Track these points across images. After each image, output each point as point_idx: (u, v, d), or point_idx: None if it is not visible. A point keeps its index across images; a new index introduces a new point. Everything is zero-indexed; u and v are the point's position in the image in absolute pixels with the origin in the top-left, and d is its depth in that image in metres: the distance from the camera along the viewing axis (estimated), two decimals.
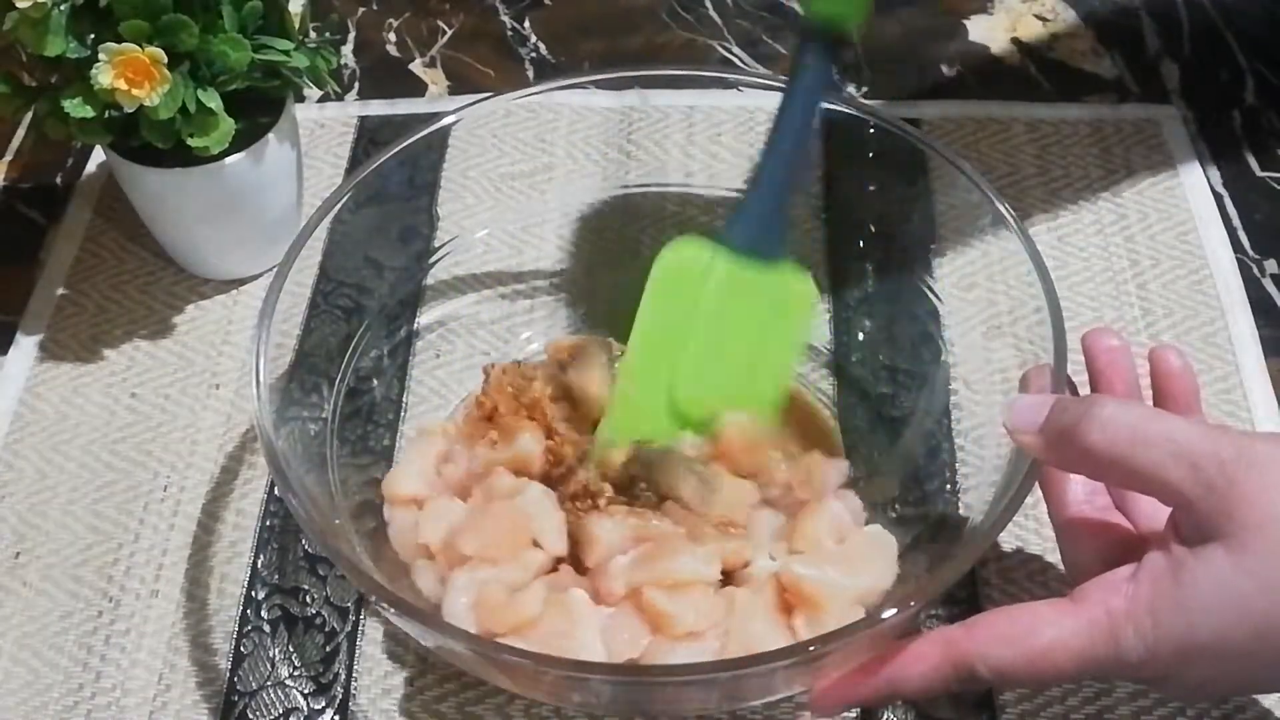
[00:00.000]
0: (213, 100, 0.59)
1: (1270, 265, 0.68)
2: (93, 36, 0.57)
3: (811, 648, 0.44)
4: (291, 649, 0.55)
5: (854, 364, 0.62)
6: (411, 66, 0.82)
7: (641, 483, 0.53)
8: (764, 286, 0.55)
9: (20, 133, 0.78)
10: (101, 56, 0.56)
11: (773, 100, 0.71)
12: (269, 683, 0.54)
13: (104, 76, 0.56)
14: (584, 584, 0.50)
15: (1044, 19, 0.83)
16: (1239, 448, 0.40)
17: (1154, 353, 0.51)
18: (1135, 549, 0.45)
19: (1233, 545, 0.40)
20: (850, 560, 0.50)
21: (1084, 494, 0.48)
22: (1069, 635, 0.42)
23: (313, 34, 0.65)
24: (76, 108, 0.58)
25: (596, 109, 0.72)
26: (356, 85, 0.81)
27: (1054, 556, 0.56)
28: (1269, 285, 0.67)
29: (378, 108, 0.78)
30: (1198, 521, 0.41)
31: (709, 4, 0.85)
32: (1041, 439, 0.44)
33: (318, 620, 0.56)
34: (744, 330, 0.56)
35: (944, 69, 0.80)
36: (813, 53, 0.54)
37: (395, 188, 0.60)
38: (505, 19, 0.85)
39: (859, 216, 0.65)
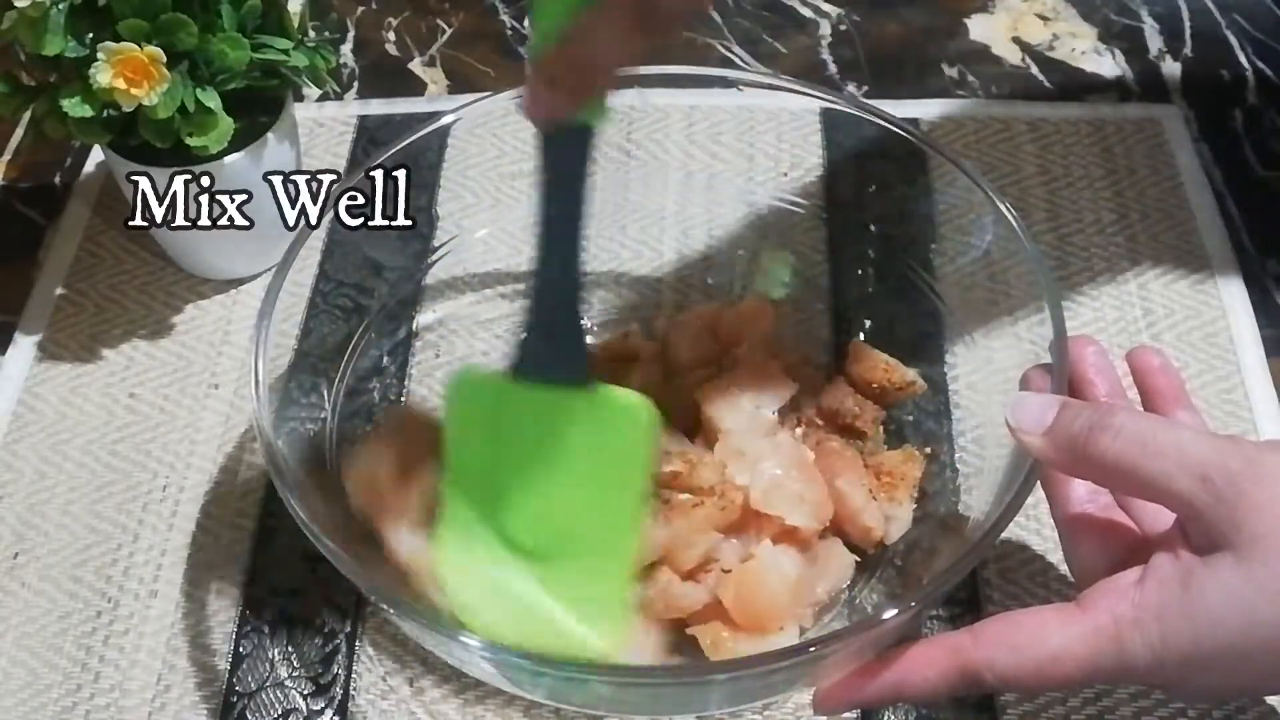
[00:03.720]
0: (211, 99, 0.59)
1: (1271, 264, 0.68)
2: (91, 36, 0.57)
3: (812, 648, 0.43)
4: (290, 649, 0.55)
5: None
6: (411, 66, 0.82)
7: None
8: (586, 411, 0.48)
9: (19, 132, 0.78)
10: (100, 56, 0.56)
11: (773, 100, 0.71)
12: (268, 683, 0.54)
13: (103, 76, 0.56)
14: None
15: (1045, 18, 0.83)
16: (1248, 459, 0.40)
17: (1131, 354, 0.51)
18: (1139, 549, 0.45)
19: (1241, 555, 0.39)
20: None
21: (1086, 493, 0.48)
22: (1075, 642, 0.42)
23: (312, 33, 0.65)
24: (75, 107, 0.57)
25: None
26: (356, 84, 0.81)
27: (1055, 557, 0.56)
28: (1270, 285, 0.67)
29: (377, 107, 0.78)
30: (1207, 531, 0.40)
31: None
32: (1048, 442, 0.44)
33: (317, 621, 0.56)
34: (575, 463, 0.48)
35: (944, 68, 0.80)
36: (559, 152, 0.44)
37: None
38: (505, 18, 0.85)
39: (859, 216, 0.65)
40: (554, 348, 0.48)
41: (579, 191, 0.45)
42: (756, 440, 0.53)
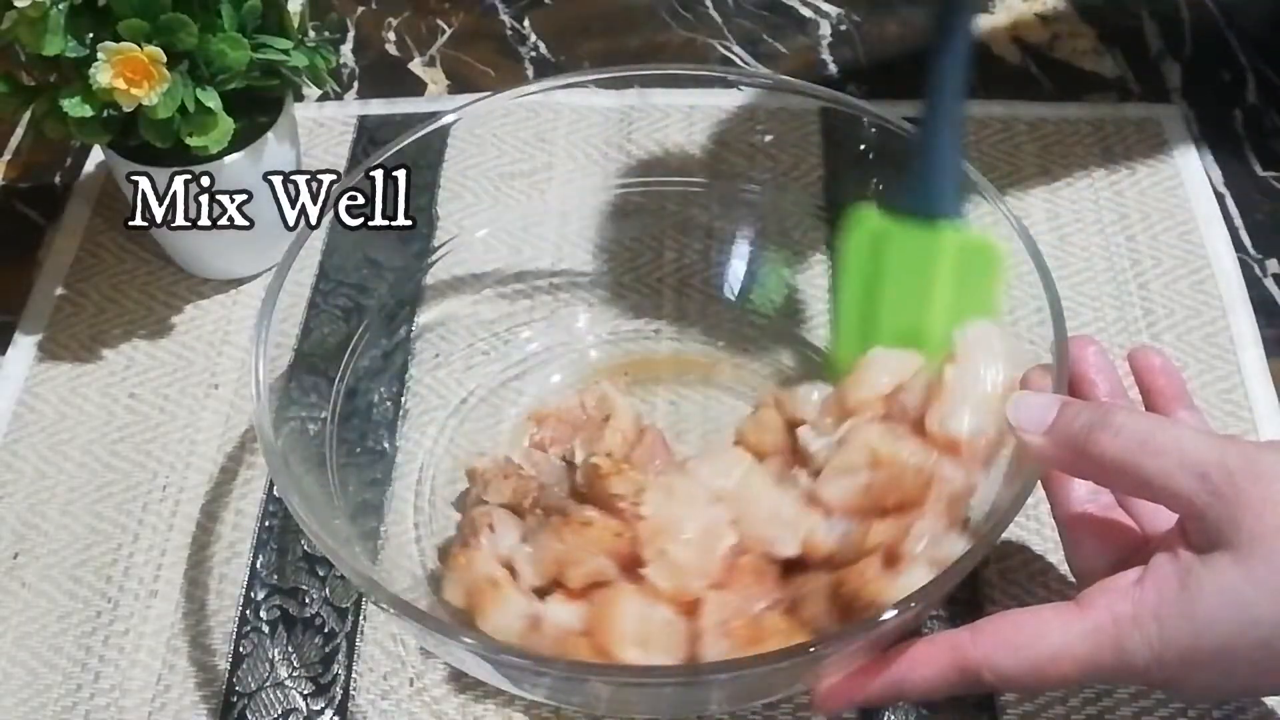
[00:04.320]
0: (211, 99, 0.59)
1: (1272, 265, 0.68)
2: (91, 35, 0.57)
3: (812, 648, 0.43)
4: (291, 649, 0.55)
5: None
6: (411, 65, 0.82)
7: None
8: (951, 245, 0.55)
9: (19, 132, 0.78)
10: (100, 56, 0.56)
11: (772, 99, 0.71)
12: (268, 683, 0.54)
13: (103, 76, 0.56)
14: None
15: (1045, 18, 0.83)
16: (1247, 458, 0.40)
17: (1133, 354, 0.51)
18: (1140, 549, 0.45)
19: (1240, 554, 0.39)
20: None
21: (1087, 493, 0.48)
22: (1074, 641, 0.42)
23: (312, 33, 0.65)
24: (75, 107, 0.57)
25: (596, 108, 0.72)
26: (356, 84, 0.80)
27: (1055, 556, 0.56)
28: (1270, 285, 0.67)
29: (377, 107, 0.78)
30: (1206, 530, 0.40)
31: (709, 3, 0.85)
32: (1049, 441, 0.44)
33: (317, 621, 0.56)
34: (941, 287, 0.55)
35: None
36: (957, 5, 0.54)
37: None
38: (505, 18, 0.85)
39: None
40: (942, 185, 0.55)
41: (967, 45, 0.54)
42: (698, 488, 0.49)
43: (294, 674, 0.54)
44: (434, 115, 0.59)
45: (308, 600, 0.56)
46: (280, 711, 0.53)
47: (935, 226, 0.55)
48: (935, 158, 0.55)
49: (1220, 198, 0.71)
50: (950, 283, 0.55)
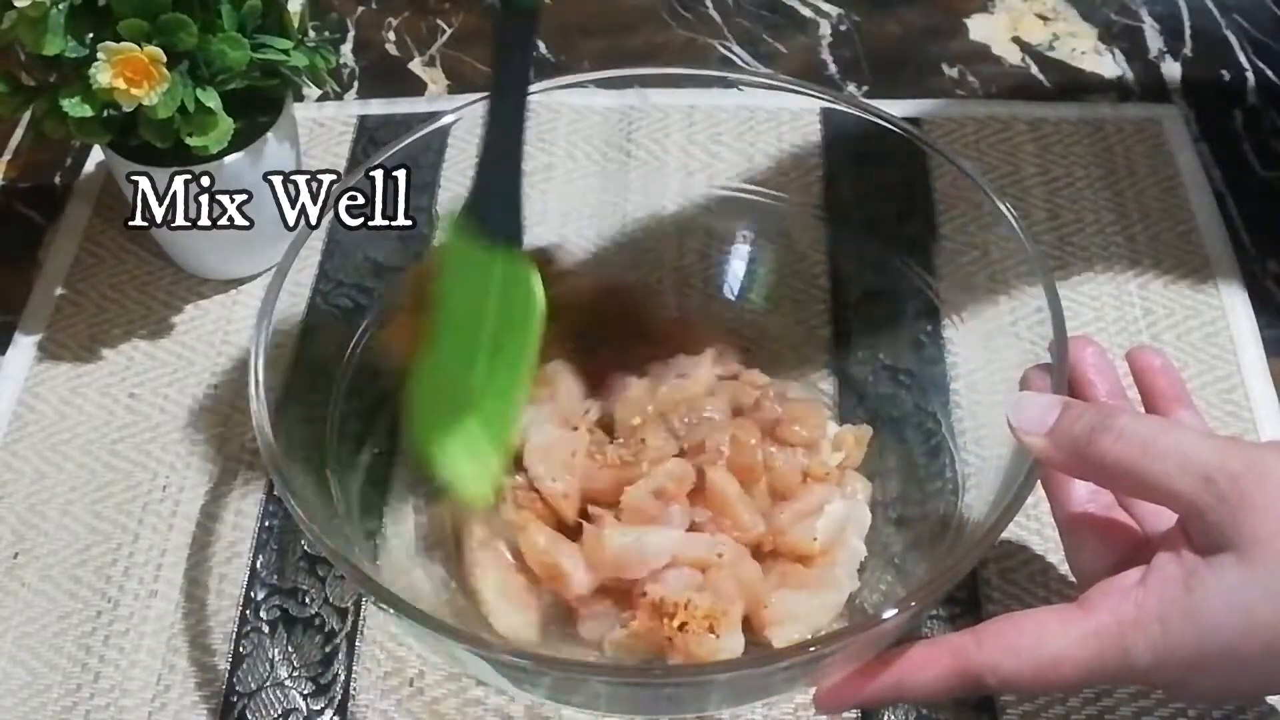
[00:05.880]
0: (211, 99, 0.59)
1: (1271, 264, 0.68)
2: (91, 35, 0.57)
3: (812, 649, 0.43)
4: (291, 649, 0.55)
5: (854, 364, 0.62)
6: (411, 65, 0.82)
7: None
8: (489, 273, 0.50)
9: (19, 132, 0.78)
10: (100, 56, 0.56)
11: (772, 100, 0.72)
12: (268, 683, 0.54)
13: (103, 76, 0.56)
14: None
15: (1045, 18, 0.83)
16: (1249, 461, 0.40)
17: (1132, 354, 0.51)
18: (1141, 549, 0.45)
19: (1243, 557, 0.39)
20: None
21: (1088, 493, 0.48)
22: (1077, 644, 0.42)
23: (312, 33, 0.65)
24: (75, 107, 0.57)
25: (596, 108, 0.72)
26: (356, 84, 0.81)
27: (1055, 557, 0.56)
28: (1270, 285, 0.67)
29: (377, 107, 0.78)
30: (1208, 532, 0.40)
31: (709, 3, 0.85)
32: (1050, 443, 0.44)
33: (317, 621, 0.56)
34: (478, 322, 0.51)
35: (944, 68, 0.80)
36: (514, 27, 0.48)
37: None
38: None
39: (859, 216, 0.65)
40: (492, 208, 0.49)
41: (527, 62, 0.49)
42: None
43: (294, 674, 0.54)
44: (434, 115, 0.59)
45: (308, 600, 0.56)
46: (280, 711, 0.53)
47: (489, 249, 0.49)
48: (493, 170, 0.49)
49: (1220, 198, 0.71)
50: (494, 308, 0.50)
